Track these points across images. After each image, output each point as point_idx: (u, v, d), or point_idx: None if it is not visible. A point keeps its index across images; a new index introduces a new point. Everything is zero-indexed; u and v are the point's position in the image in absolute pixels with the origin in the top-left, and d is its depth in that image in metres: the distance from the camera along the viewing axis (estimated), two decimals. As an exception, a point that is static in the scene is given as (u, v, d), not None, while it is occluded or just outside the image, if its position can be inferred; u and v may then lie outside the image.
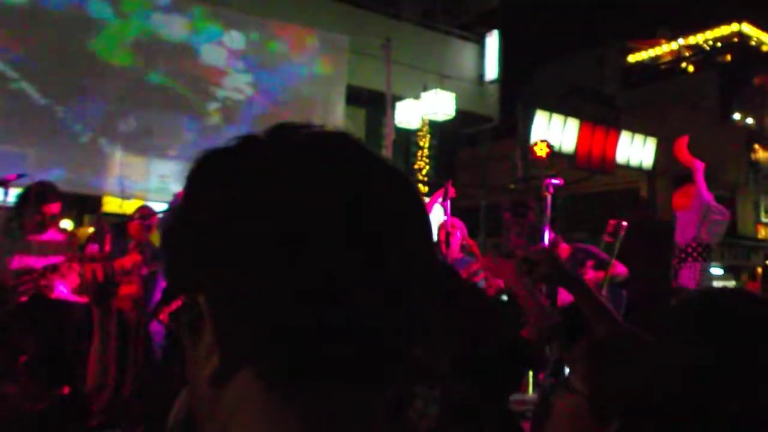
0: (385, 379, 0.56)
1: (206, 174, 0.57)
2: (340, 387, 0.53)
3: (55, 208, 4.51)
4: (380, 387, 0.56)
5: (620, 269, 5.63)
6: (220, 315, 0.53)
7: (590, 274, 5.39)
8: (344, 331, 0.51)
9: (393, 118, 13.70)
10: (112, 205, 10.20)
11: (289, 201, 0.52)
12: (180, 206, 0.57)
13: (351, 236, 0.52)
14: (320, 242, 0.51)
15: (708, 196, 5.77)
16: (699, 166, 5.89)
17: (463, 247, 6.06)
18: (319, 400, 0.53)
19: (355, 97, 14.17)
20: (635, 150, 17.93)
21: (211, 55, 11.74)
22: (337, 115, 11.82)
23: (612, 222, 5.55)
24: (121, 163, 10.79)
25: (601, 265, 5.47)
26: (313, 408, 0.53)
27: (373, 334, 0.53)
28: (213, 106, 11.74)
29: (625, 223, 5.47)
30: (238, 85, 11.97)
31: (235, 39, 11.89)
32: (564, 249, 6.19)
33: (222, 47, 11.84)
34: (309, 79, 11.48)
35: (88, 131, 10.64)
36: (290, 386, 0.53)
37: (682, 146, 6.18)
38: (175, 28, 11.35)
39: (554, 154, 13.97)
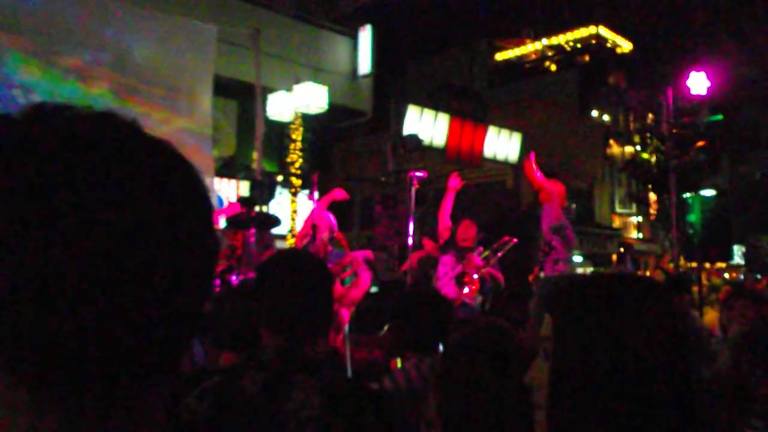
0: (147, 376, 0.53)
1: None
2: (93, 388, 0.50)
3: None
4: (143, 385, 0.54)
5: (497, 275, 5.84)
6: None
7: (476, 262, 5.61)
8: (76, 330, 0.48)
9: (265, 111, 13.51)
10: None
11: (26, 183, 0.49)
12: None
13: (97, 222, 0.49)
14: (45, 235, 0.48)
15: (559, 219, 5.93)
16: (549, 188, 5.98)
17: (332, 241, 6.08)
18: (74, 400, 0.50)
19: (225, 88, 13.85)
20: (502, 144, 18.69)
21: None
22: (204, 106, 11.46)
23: (505, 239, 5.74)
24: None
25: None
26: (69, 409, 0.50)
27: (109, 330, 0.49)
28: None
29: (515, 240, 5.67)
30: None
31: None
32: (428, 244, 6.36)
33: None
34: (174, 69, 11.06)
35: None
36: (43, 387, 0.50)
37: (530, 167, 6.29)
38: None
39: (425, 149, 14.32)
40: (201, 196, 0.57)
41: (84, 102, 0.60)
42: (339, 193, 6.32)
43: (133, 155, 0.53)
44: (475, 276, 5.63)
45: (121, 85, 10.55)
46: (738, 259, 26.85)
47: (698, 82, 11.60)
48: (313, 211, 6.21)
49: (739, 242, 26.75)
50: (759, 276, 15.34)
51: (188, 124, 11.27)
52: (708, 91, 11.58)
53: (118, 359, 0.50)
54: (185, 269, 0.53)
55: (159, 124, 10.85)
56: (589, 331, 0.85)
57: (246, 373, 1.59)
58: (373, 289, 7.34)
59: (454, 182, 6.27)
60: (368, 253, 6.87)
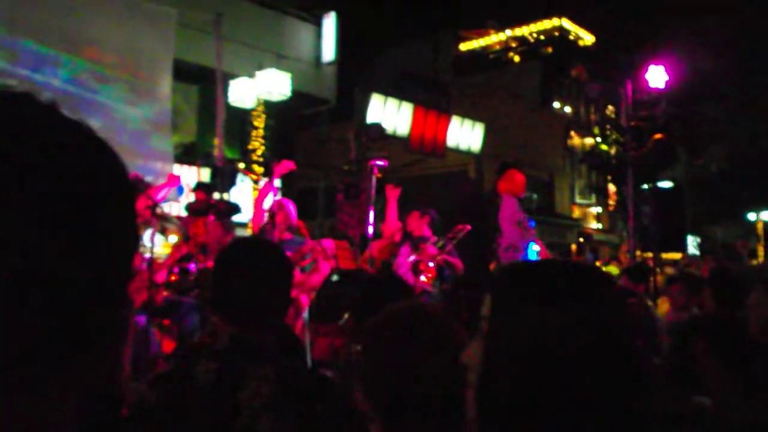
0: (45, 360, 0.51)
1: None
2: None
3: None
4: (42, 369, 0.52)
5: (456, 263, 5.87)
6: None
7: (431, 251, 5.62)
8: None
9: (226, 97, 13.34)
10: None
11: None
12: None
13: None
14: None
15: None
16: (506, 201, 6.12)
17: (291, 228, 6.02)
18: None
19: (186, 73, 13.63)
20: (464, 134, 18.78)
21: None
22: (164, 91, 11.27)
23: (459, 227, 5.78)
24: None
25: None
26: None
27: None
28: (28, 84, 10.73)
29: (468, 228, 5.73)
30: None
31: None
32: (390, 227, 6.37)
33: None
34: (132, 52, 10.83)
35: None
36: None
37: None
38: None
39: (389, 138, 14.31)
40: (111, 180, 0.56)
41: (38, 86, 0.58)
42: (286, 165, 6.23)
43: (42, 135, 0.52)
44: (431, 264, 5.67)
45: (78, 69, 10.31)
46: (693, 249, 27.57)
47: (657, 76, 11.81)
48: (259, 197, 6.15)
49: (694, 233, 27.48)
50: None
51: (147, 109, 11.08)
52: (666, 85, 11.80)
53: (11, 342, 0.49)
54: (92, 255, 0.52)
55: (116, 108, 10.65)
56: (521, 315, 0.84)
57: (199, 362, 1.58)
58: (334, 278, 7.34)
59: (392, 192, 6.29)
60: (329, 243, 6.86)
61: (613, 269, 11.32)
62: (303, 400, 1.52)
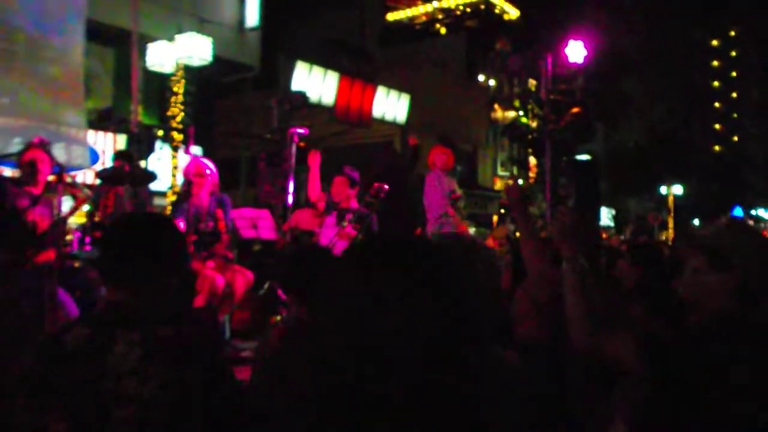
0: None
1: None
2: None
3: None
4: None
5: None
6: None
7: (348, 229, 5.56)
8: None
9: (144, 61, 12.84)
10: None
11: None
12: None
13: None
14: None
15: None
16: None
17: (212, 194, 5.85)
18: None
19: (101, 34, 13.03)
20: (390, 105, 18.80)
21: None
22: (75, 53, 10.74)
23: (375, 185, 5.77)
24: None
25: (361, 219, 5.68)
26: None
27: None
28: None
29: (386, 187, 5.74)
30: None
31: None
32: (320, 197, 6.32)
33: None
34: (39, 11, 10.25)
35: None
36: None
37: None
38: None
39: (313, 107, 14.16)
40: None
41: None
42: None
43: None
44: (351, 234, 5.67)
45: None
46: (607, 220, 28.69)
47: (576, 51, 12.10)
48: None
49: (609, 205, 28.56)
50: (623, 238, 16.37)
51: (57, 72, 10.54)
52: (585, 60, 12.10)
53: None
54: None
55: (23, 72, 10.09)
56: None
57: (72, 329, 1.62)
58: (255, 248, 7.26)
59: (314, 158, 6.28)
60: (249, 211, 6.76)
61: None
62: (169, 364, 1.56)
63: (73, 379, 1.52)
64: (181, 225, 5.12)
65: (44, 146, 5.05)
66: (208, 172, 5.61)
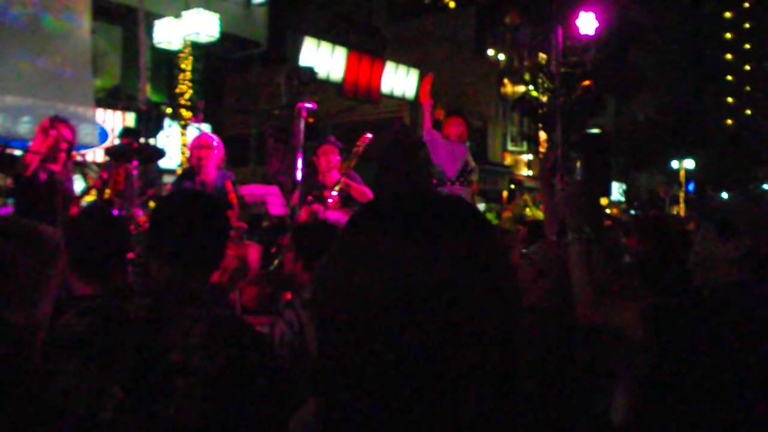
0: None
1: None
2: None
3: None
4: None
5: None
6: None
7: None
8: None
9: (151, 38, 12.79)
10: None
11: None
12: None
13: None
14: None
15: (430, 134, 6.20)
16: (426, 106, 6.38)
17: (218, 168, 5.86)
18: None
19: (108, 12, 13.00)
20: (399, 80, 18.67)
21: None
22: (83, 31, 10.72)
23: (363, 138, 5.88)
24: None
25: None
26: None
27: None
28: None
29: (369, 135, 5.81)
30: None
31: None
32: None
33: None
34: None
35: None
36: None
37: (426, 83, 6.65)
38: None
39: (322, 83, 14.08)
40: None
41: None
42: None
43: None
44: (334, 192, 5.73)
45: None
46: (618, 195, 28.53)
47: (587, 23, 11.94)
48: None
49: (619, 180, 28.39)
50: (633, 212, 16.34)
51: (65, 51, 10.53)
52: (596, 32, 11.95)
53: None
54: None
55: (29, 53, 10.09)
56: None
57: (132, 298, 1.60)
58: (264, 224, 7.28)
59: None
60: (258, 188, 6.77)
61: (540, 214, 11.60)
62: (234, 345, 1.54)
63: (135, 346, 1.51)
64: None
65: (68, 123, 5.11)
66: (215, 143, 5.61)
